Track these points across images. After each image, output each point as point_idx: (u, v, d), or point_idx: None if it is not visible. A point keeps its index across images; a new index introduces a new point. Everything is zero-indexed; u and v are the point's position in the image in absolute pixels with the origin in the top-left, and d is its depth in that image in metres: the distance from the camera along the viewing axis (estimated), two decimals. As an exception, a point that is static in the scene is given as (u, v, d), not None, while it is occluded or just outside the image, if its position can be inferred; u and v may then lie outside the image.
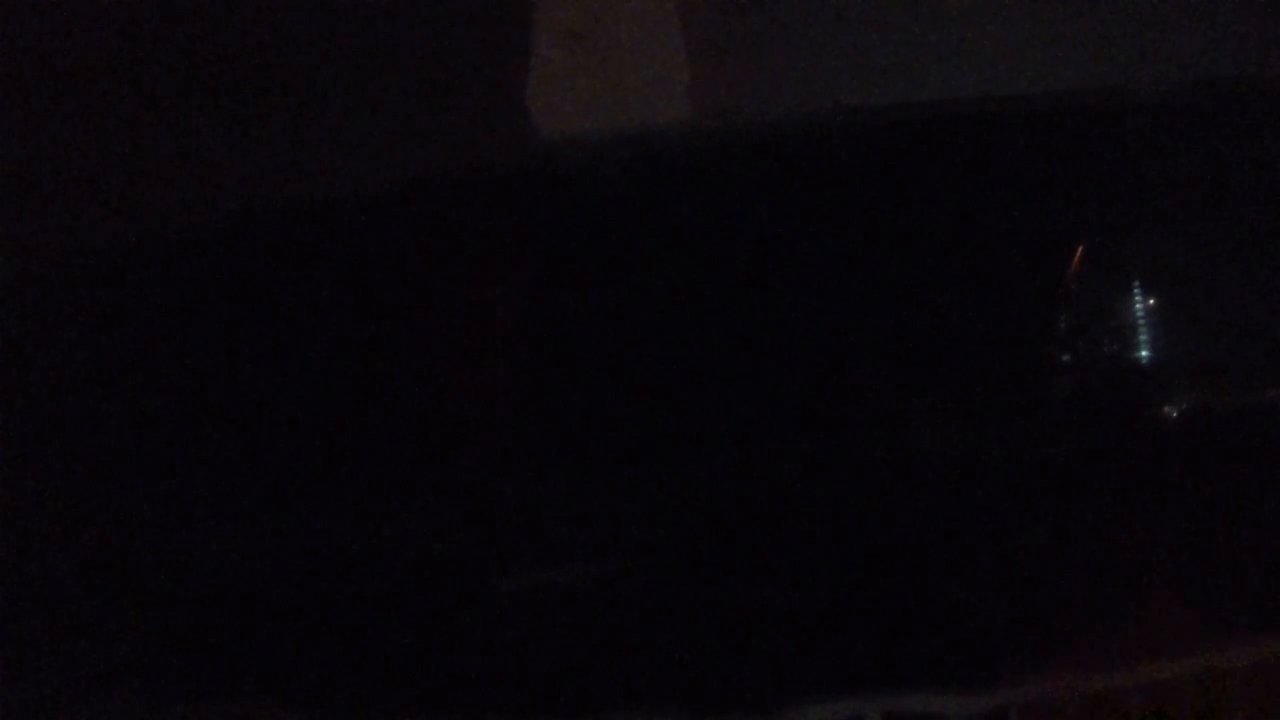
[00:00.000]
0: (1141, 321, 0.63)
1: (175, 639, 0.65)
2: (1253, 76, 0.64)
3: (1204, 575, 0.64)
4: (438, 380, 0.63)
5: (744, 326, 0.62)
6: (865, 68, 0.62)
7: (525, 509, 0.63)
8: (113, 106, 0.65)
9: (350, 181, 0.63)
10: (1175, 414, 0.63)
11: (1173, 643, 0.64)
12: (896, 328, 0.63)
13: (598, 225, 0.63)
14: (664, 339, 0.63)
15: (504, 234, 0.63)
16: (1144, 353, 0.63)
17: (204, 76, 0.64)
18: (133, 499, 0.65)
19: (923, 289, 0.62)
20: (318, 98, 0.63)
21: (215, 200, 0.64)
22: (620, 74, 0.62)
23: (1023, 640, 0.63)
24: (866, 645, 0.63)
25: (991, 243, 0.63)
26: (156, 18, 0.64)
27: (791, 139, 0.62)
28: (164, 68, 0.64)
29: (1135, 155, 0.63)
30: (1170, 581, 0.64)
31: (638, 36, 0.62)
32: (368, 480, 0.64)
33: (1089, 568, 0.64)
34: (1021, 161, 0.63)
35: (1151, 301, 0.63)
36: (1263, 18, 0.64)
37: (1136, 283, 0.63)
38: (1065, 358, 0.63)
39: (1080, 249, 0.63)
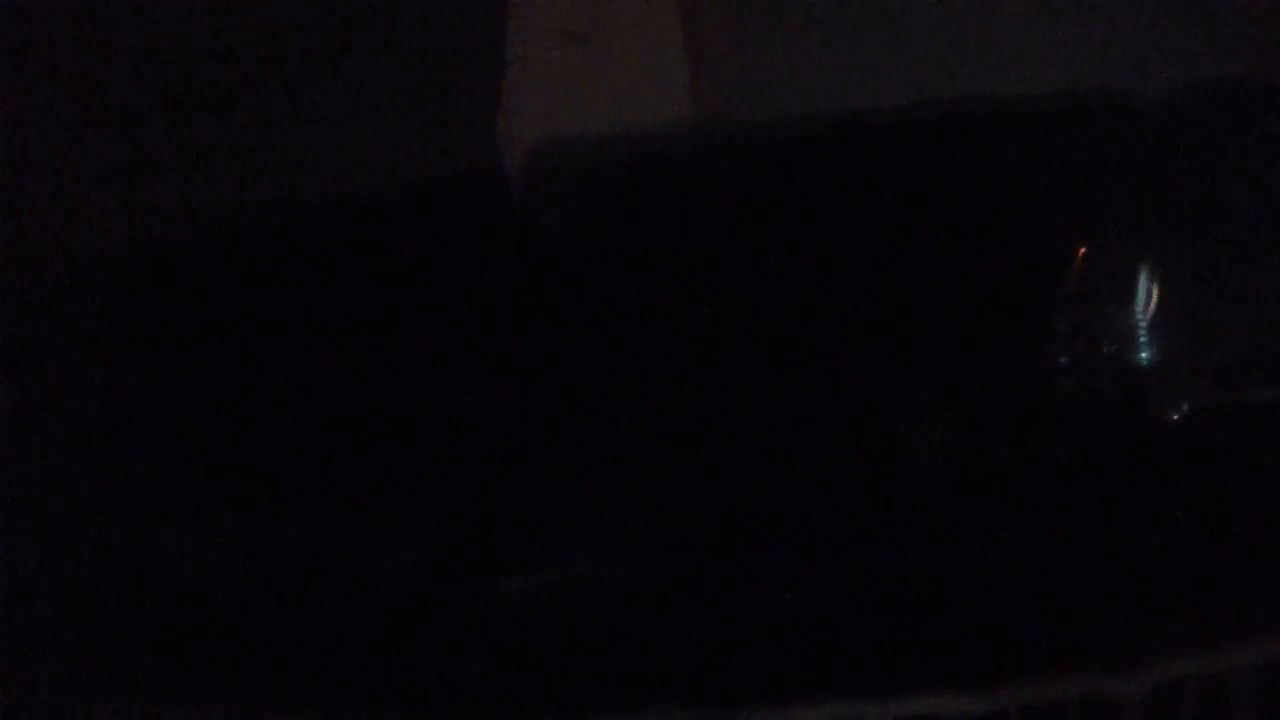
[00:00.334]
0: (1140, 322, 0.63)
1: (175, 639, 0.65)
2: (1252, 76, 0.64)
3: (1206, 575, 0.64)
4: (438, 381, 0.63)
5: (745, 327, 0.62)
6: (865, 68, 0.62)
7: (525, 510, 0.63)
8: (112, 106, 0.65)
9: (348, 182, 0.63)
10: (1175, 414, 0.63)
11: (1174, 642, 0.64)
12: (896, 328, 0.63)
13: (598, 226, 0.63)
14: (665, 340, 0.63)
15: (504, 235, 0.63)
16: (1143, 353, 0.63)
17: (205, 76, 0.64)
18: (134, 499, 0.65)
19: (922, 289, 0.62)
20: (315, 98, 0.63)
21: (217, 201, 0.64)
22: (621, 75, 0.62)
23: (1024, 641, 0.63)
24: (869, 647, 0.63)
25: (991, 243, 0.63)
26: (156, 18, 0.64)
27: (793, 140, 0.62)
28: (164, 68, 0.64)
29: (1135, 155, 0.63)
30: (1172, 581, 0.64)
31: (639, 37, 0.62)
32: (369, 482, 0.64)
33: (1090, 568, 0.64)
34: (1021, 162, 0.63)
35: (1151, 302, 0.63)
36: (1262, 18, 0.64)
37: (1136, 283, 0.63)
38: (1064, 359, 0.63)
39: (1080, 249, 0.63)
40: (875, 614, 0.63)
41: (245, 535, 0.64)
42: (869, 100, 0.62)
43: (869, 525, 0.62)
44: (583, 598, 0.63)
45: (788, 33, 0.62)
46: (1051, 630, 0.63)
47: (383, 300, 0.63)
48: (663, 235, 0.63)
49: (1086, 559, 0.63)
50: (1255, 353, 0.64)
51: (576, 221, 0.62)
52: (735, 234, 0.62)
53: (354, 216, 0.64)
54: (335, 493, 0.64)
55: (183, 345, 0.65)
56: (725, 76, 0.62)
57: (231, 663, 0.65)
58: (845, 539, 0.62)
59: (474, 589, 0.63)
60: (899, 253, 0.63)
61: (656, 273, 0.63)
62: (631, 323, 0.63)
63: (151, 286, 0.65)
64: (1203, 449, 0.63)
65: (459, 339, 0.63)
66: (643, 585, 0.63)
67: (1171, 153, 0.63)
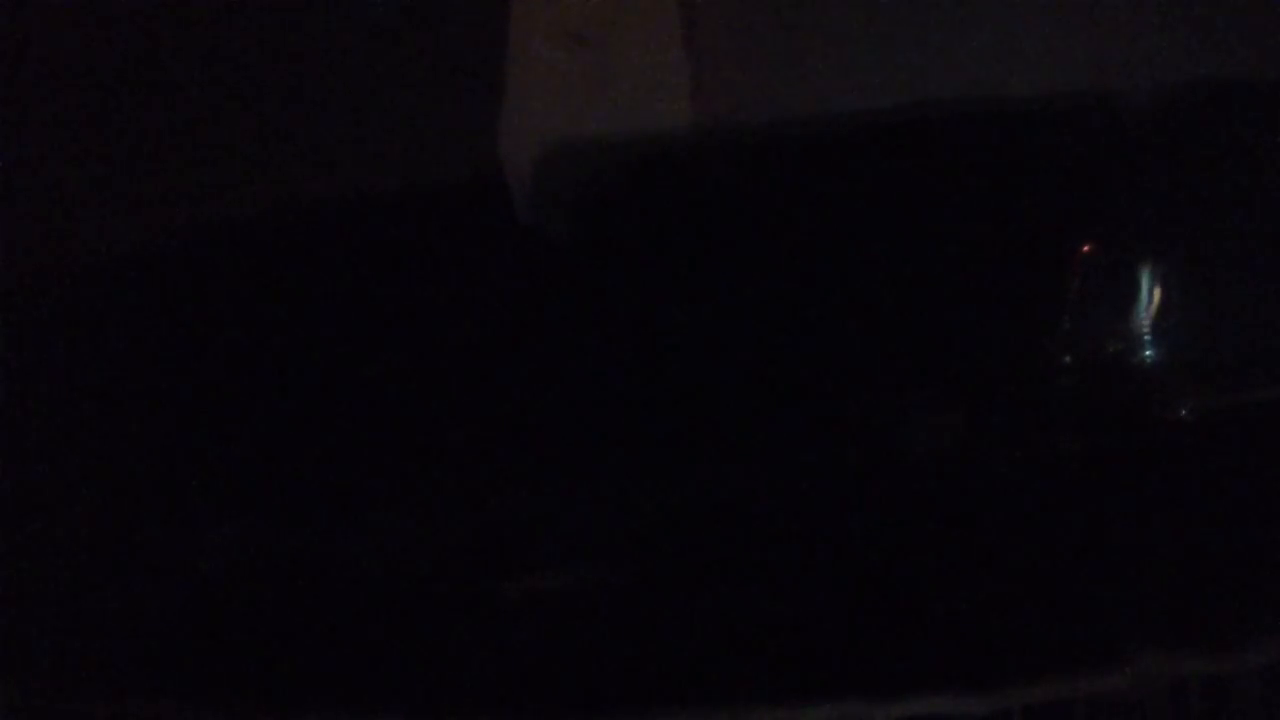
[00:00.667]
0: (1143, 322, 0.63)
1: (176, 639, 0.65)
2: (1252, 76, 0.65)
3: (1208, 575, 0.64)
4: (440, 384, 0.64)
5: (748, 328, 0.63)
6: (865, 70, 0.63)
7: (527, 513, 0.63)
8: (111, 106, 0.65)
9: (349, 183, 0.63)
10: (1178, 414, 0.63)
11: (1177, 642, 0.64)
12: (897, 328, 0.63)
13: (600, 229, 0.63)
14: (665, 341, 0.63)
15: (505, 237, 0.63)
16: (1146, 353, 0.63)
17: (205, 77, 0.64)
18: (134, 499, 0.65)
19: (923, 290, 0.63)
20: (315, 99, 0.63)
21: (216, 202, 0.64)
22: (623, 77, 0.62)
23: (1027, 641, 0.63)
24: (870, 648, 0.63)
25: (992, 243, 0.63)
26: (155, 17, 0.64)
27: (796, 141, 0.62)
28: (163, 68, 0.64)
29: (1135, 155, 0.63)
30: (1174, 581, 0.64)
31: (641, 38, 0.62)
32: (370, 484, 0.64)
33: (1093, 568, 0.64)
34: (1023, 162, 0.63)
35: (1153, 302, 0.63)
36: (1258, 18, 0.64)
37: (1137, 283, 0.63)
38: (1066, 359, 0.63)
39: (1081, 250, 0.63)
40: (877, 614, 0.63)
41: (246, 537, 0.64)
42: (869, 101, 0.62)
43: (871, 525, 0.62)
44: (585, 599, 0.63)
45: (789, 34, 0.62)
46: (1054, 630, 0.63)
47: (383, 303, 0.63)
48: (666, 238, 0.63)
49: (1089, 559, 0.63)
50: (1257, 353, 0.64)
51: (579, 225, 0.62)
52: (738, 235, 0.62)
53: (355, 219, 0.64)
54: (336, 494, 0.64)
55: (183, 346, 0.65)
56: (726, 78, 0.62)
57: (232, 663, 0.65)
58: (847, 539, 0.62)
59: (476, 591, 0.63)
60: (900, 253, 0.63)
61: (659, 275, 0.63)
62: (633, 324, 0.63)
63: (152, 287, 0.65)
64: (1206, 449, 0.63)
65: (460, 342, 0.63)
66: (644, 586, 0.63)
67: (1172, 153, 0.63)
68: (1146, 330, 0.63)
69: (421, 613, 0.63)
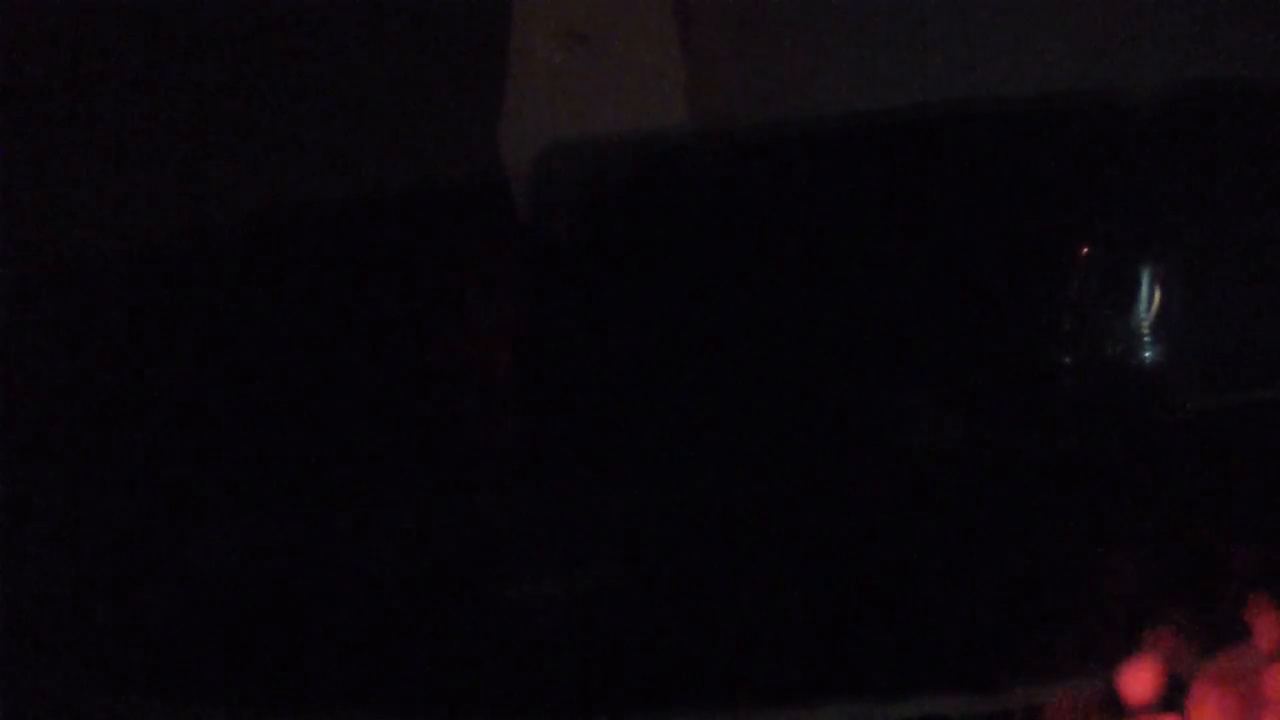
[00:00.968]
0: (1143, 322, 0.63)
1: (177, 640, 0.65)
2: (1250, 76, 0.64)
3: (1209, 574, 0.64)
4: (442, 385, 0.63)
5: (748, 328, 0.62)
6: (862, 70, 0.63)
7: (529, 514, 0.63)
8: (111, 107, 0.65)
9: (349, 184, 0.63)
10: (1175, 414, 0.63)
11: (1182, 647, 0.64)
12: (898, 329, 0.63)
13: (599, 228, 0.63)
14: (666, 342, 0.63)
15: (506, 237, 0.63)
16: (1146, 354, 0.63)
17: (207, 76, 0.64)
18: (135, 500, 0.65)
19: (924, 290, 0.62)
20: (315, 100, 0.63)
21: (218, 203, 0.64)
22: (623, 75, 0.62)
23: (1028, 641, 0.63)
24: (871, 648, 0.63)
25: (993, 244, 0.63)
26: (156, 17, 0.64)
27: (793, 140, 0.62)
28: (165, 68, 0.64)
29: (1136, 155, 0.63)
30: (1175, 580, 0.64)
31: (641, 38, 0.62)
32: (372, 485, 0.64)
33: (1093, 567, 0.64)
34: (1022, 163, 0.63)
35: (1153, 302, 0.63)
36: (1255, 17, 0.64)
37: (1138, 283, 0.63)
38: (1066, 359, 0.63)
39: (1081, 250, 0.63)
40: (878, 614, 0.63)
41: (248, 538, 0.64)
42: (866, 102, 0.62)
43: (872, 525, 0.62)
44: (586, 601, 0.63)
45: (785, 34, 0.62)
46: (1055, 630, 0.63)
47: (384, 302, 0.63)
48: (666, 237, 0.63)
49: (1089, 559, 0.63)
50: (1257, 353, 0.64)
51: (578, 223, 0.62)
52: (736, 234, 0.62)
53: (357, 219, 0.64)
54: (338, 496, 0.64)
55: (184, 346, 0.65)
56: (723, 78, 0.62)
57: (234, 664, 0.65)
58: (848, 539, 0.62)
59: (479, 593, 0.63)
60: (900, 253, 0.63)
61: (659, 273, 0.63)
62: (633, 322, 0.63)
63: (154, 287, 0.65)
64: (1205, 449, 0.63)
65: (461, 341, 0.63)
66: (646, 587, 0.63)
67: (1172, 153, 0.63)
68: (1148, 331, 0.63)
69: (422, 613, 0.63)
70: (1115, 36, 0.63)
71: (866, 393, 0.63)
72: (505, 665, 0.63)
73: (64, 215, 0.66)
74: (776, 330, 0.62)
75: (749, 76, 0.62)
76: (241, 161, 0.64)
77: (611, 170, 0.62)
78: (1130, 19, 0.63)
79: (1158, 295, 0.63)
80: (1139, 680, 0.62)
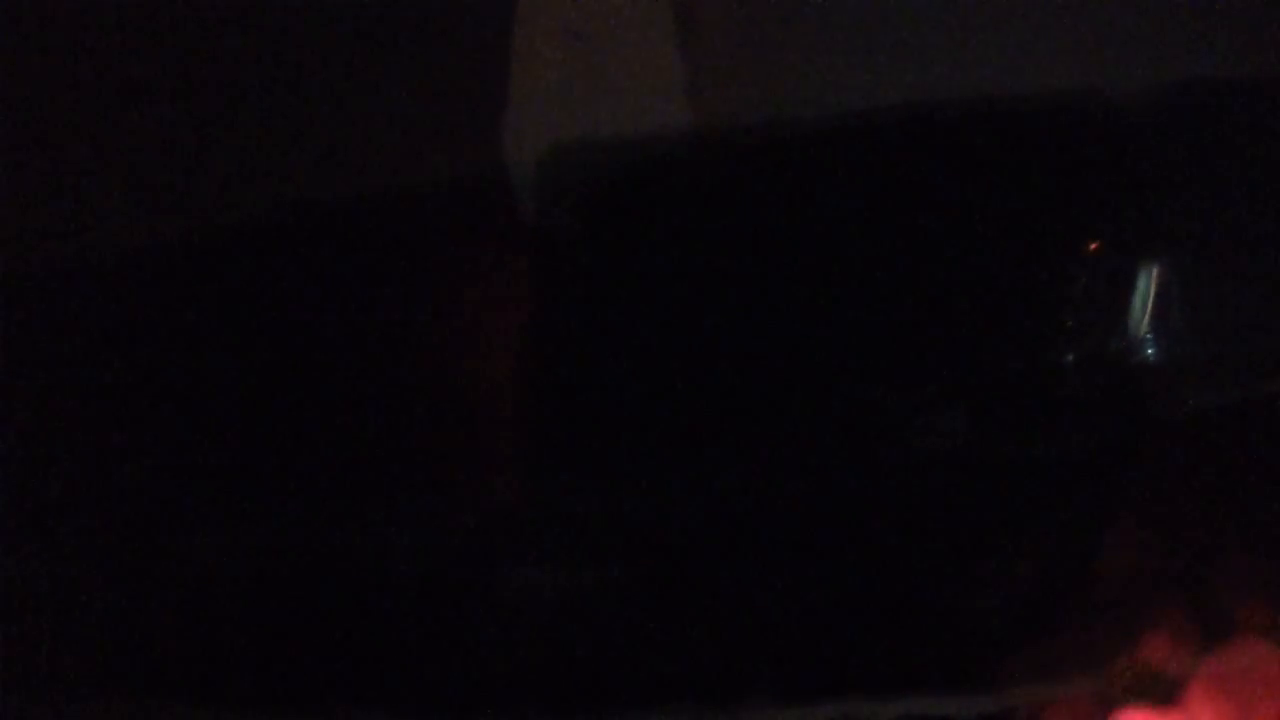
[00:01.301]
0: (1144, 320, 0.63)
1: (176, 638, 0.65)
2: (1250, 76, 0.64)
3: (1210, 571, 0.64)
4: (443, 381, 0.63)
5: (750, 326, 0.62)
6: (862, 70, 0.63)
7: (527, 510, 0.63)
8: (112, 107, 0.65)
9: (348, 183, 0.63)
10: (1173, 412, 0.63)
11: (1183, 645, 0.64)
12: (900, 328, 0.63)
13: (600, 226, 0.63)
14: (665, 341, 0.63)
15: (505, 235, 0.63)
16: (1148, 351, 0.63)
17: (209, 76, 0.64)
18: (135, 498, 0.65)
19: (925, 289, 0.62)
20: (316, 100, 0.63)
21: (220, 202, 0.64)
22: (624, 75, 0.62)
23: (1028, 639, 0.63)
24: (870, 647, 0.63)
25: (994, 242, 0.63)
26: (154, 18, 0.64)
27: (793, 139, 0.62)
28: (172, 68, 0.64)
29: (1136, 154, 0.63)
30: (1176, 578, 0.64)
31: (642, 37, 0.62)
32: (371, 481, 0.64)
33: (1094, 565, 0.64)
34: (1024, 162, 0.63)
35: (1154, 300, 0.63)
36: (1257, 18, 0.64)
37: (1139, 282, 0.63)
38: (1069, 357, 0.63)
39: (1083, 249, 0.63)
40: (877, 612, 0.63)
41: (247, 533, 0.64)
42: (867, 101, 0.62)
43: (872, 523, 0.62)
44: (584, 597, 0.63)
45: (785, 33, 0.62)
46: (1055, 628, 0.63)
47: (386, 300, 0.63)
48: (666, 235, 0.63)
49: (1090, 556, 0.63)
50: (1257, 351, 0.64)
51: (580, 223, 0.62)
52: (737, 233, 0.62)
53: (359, 218, 0.64)
54: (337, 492, 0.64)
55: (184, 345, 0.65)
56: (723, 77, 0.62)
57: (232, 660, 0.65)
58: (847, 536, 0.62)
59: (476, 588, 0.63)
60: (901, 252, 0.63)
61: (660, 271, 0.63)
62: (635, 321, 0.63)
63: (155, 286, 0.65)
64: (1207, 446, 0.63)
65: (463, 339, 0.63)
66: (645, 584, 0.63)
67: (1172, 152, 0.63)
68: (1150, 329, 0.63)
69: (421, 609, 0.63)
70: (1116, 36, 0.63)
71: (867, 391, 0.63)
72: (502, 660, 0.63)
73: (64, 215, 0.66)
74: (777, 329, 0.62)
75: (749, 76, 0.62)
76: (243, 160, 0.64)
77: (612, 169, 0.62)
78: (1130, 18, 0.63)
79: (1160, 294, 0.63)
80: None
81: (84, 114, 0.65)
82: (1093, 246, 0.63)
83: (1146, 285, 0.63)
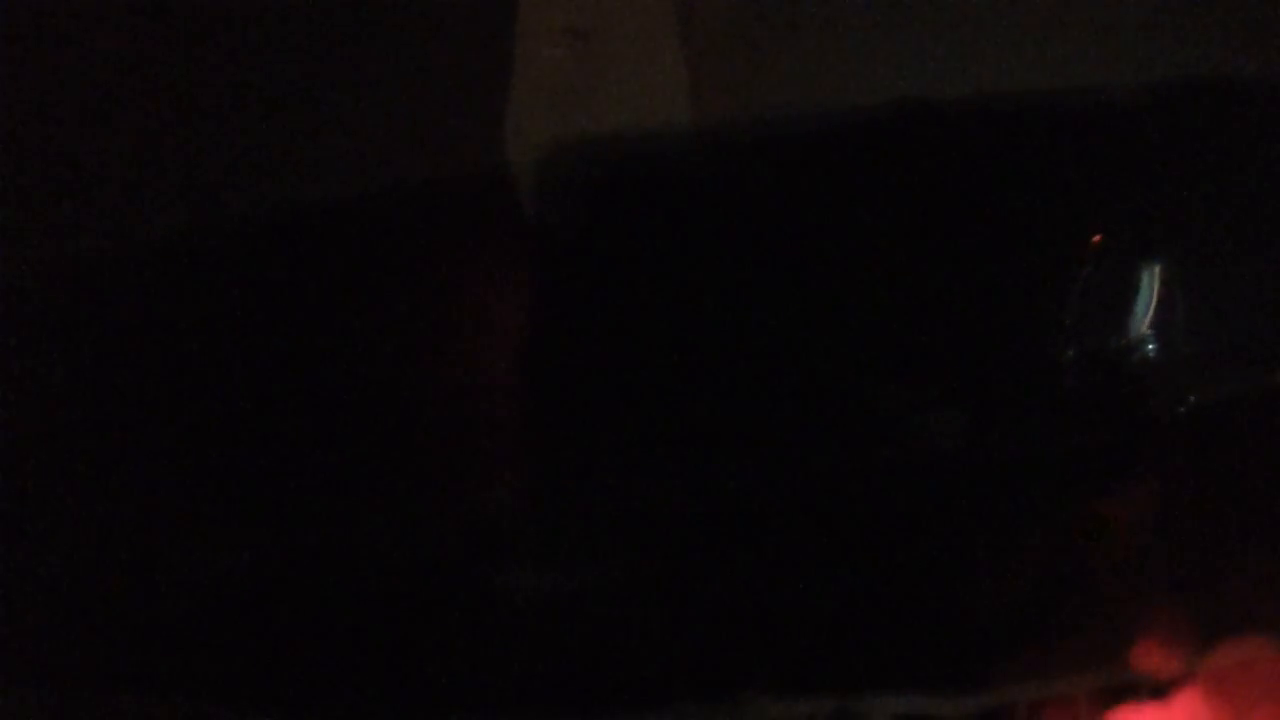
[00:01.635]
0: (1144, 317, 0.63)
1: (174, 638, 0.65)
2: (1250, 74, 0.65)
3: (1211, 569, 0.64)
4: (442, 380, 0.63)
5: (750, 324, 0.62)
6: (863, 66, 0.63)
7: (525, 509, 0.63)
8: (112, 107, 0.65)
9: (346, 182, 0.63)
10: (1177, 409, 0.63)
11: (1181, 643, 0.64)
12: (898, 325, 0.63)
13: (601, 226, 0.63)
14: (666, 338, 0.63)
15: (504, 233, 0.63)
16: (1148, 348, 0.63)
17: (209, 75, 0.64)
18: (134, 498, 0.65)
19: (924, 286, 0.63)
20: (315, 98, 0.63)
21: (218, 202, 0.64)
22: (625, 73, 0.62)
23: (1027, 636, 0.63)
24: (869, 644, 0.63)
25: (993, 240, 0.63)
26: (157, 17, 0.64)
27: (794, 137, 0.62)
28: (169, 67, 0.64)
29: (1135, 151, 0.63)
30: (1178, 580, 0.64)
31: (640, 34, 0.62)
32: (368, 481, 0.64)
33: (1096, 567, 0.64)
34: (1024, 159, 0.63)
35: (1154, 297, 0.63)
36: (1257, 16, 0.64)
37: (1139, 278, 0.63)
38: (1068, 354, 0.63)
39: (1083, 245, 0.63)
40: (876, 611, 0.63)
41: (243, 533, 0.64)
42: (867, 98, 0.62)
43: (870, 521, 0.62)
44: (582, 596, 0.63)
45: (786, 30, 0.62)
46: (1054, 627, 0.63)
47: (385, 300, 0.63)
48: (667, 234, 0.63)
49: (1090, 553, 0.63)
50: (1258, 347, 0.64)
51: (581, 222, 0.62)
52: (738, 231, 0.62)
53: (358, 217, 0.64)
54: (334, 492, 0.64)
55: (183, 345, 0.65)
56: (724, 74, 0.62)
57: (229, 661, 0.65)
58: (846, 535, 0.62)
59: (473, 588, 0.63)
60: (900, 250, 0.63)
61: (662, 271, 0.63)
62: (636, 320, 0.63)
63: (155, 286, 0.65)
64: (1207, 443, 0.63)
65: (462, 339, 0.63)
66: (642, 582, 0.63)
67: (1172, 149, 0.63)
68: (1149, 326, 0.63)
69: (418, 609, 0.63)
70: (1116, 33, 0.63)
71: (866, 389, 0.63)
72: (499, 659, 0.63)
73: (64, 215, 0.66)
74: (777, 327, 0.62)
75: (751, 73, 0.62)
76: (242, 159, 0.64)
77: (613, 168, 0.62)
78: (1130, 15, 0.63)
79: (1158, 291, 0.63)
80: None
81: (83, 113, 0.65)
82: (1092, 243, 0.63)
83: (1148, 282, 0.63)
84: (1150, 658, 0.63)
